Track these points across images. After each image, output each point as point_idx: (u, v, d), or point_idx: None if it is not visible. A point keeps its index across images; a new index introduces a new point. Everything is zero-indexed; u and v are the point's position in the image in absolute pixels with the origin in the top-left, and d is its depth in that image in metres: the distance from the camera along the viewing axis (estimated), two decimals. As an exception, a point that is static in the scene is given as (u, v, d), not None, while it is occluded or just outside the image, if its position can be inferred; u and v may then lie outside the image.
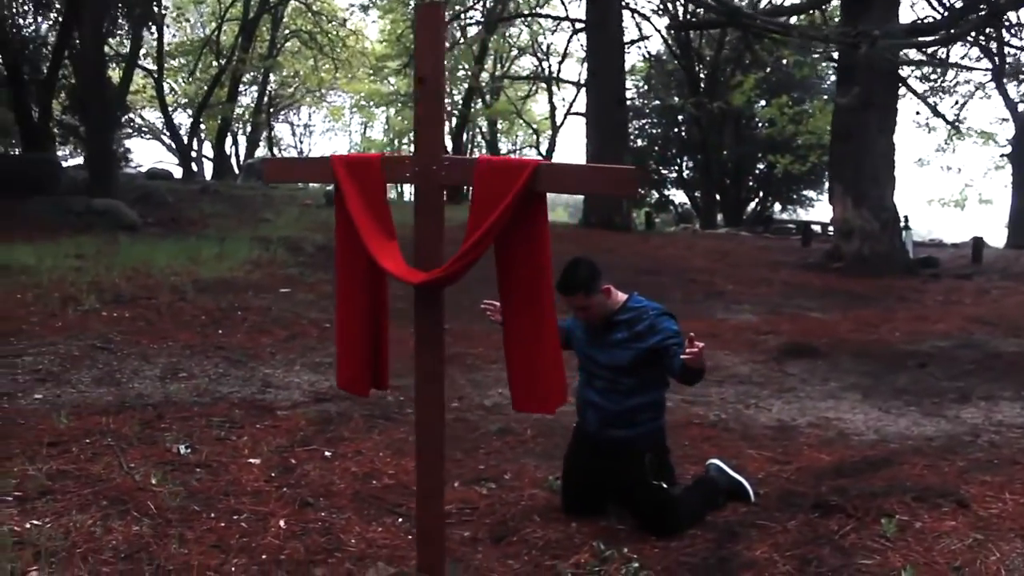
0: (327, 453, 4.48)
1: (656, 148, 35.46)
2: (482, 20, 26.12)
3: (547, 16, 27.12)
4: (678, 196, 37.48)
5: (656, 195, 36.95)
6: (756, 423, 5.06)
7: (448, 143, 32.24)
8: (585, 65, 24.01)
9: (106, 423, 4.72)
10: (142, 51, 29.44)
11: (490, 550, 3.36)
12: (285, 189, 24.69)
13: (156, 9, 23.67)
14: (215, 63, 30.25)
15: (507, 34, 33.56)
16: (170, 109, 36.00)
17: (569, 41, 28.39)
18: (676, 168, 35.70)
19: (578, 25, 24.47)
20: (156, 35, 27.52)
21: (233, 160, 37.25)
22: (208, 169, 34.14)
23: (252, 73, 34.45)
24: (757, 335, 7.39)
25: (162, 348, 6.52)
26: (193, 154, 34.39)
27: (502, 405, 5.49)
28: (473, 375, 6.28)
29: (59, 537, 3.33)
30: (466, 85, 31.04)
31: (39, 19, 21.52)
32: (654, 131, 35.45)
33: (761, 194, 34.76)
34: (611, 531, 3.49)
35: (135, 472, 4.02)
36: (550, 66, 33.43)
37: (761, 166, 32.20)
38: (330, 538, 3.45)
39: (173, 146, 33.02)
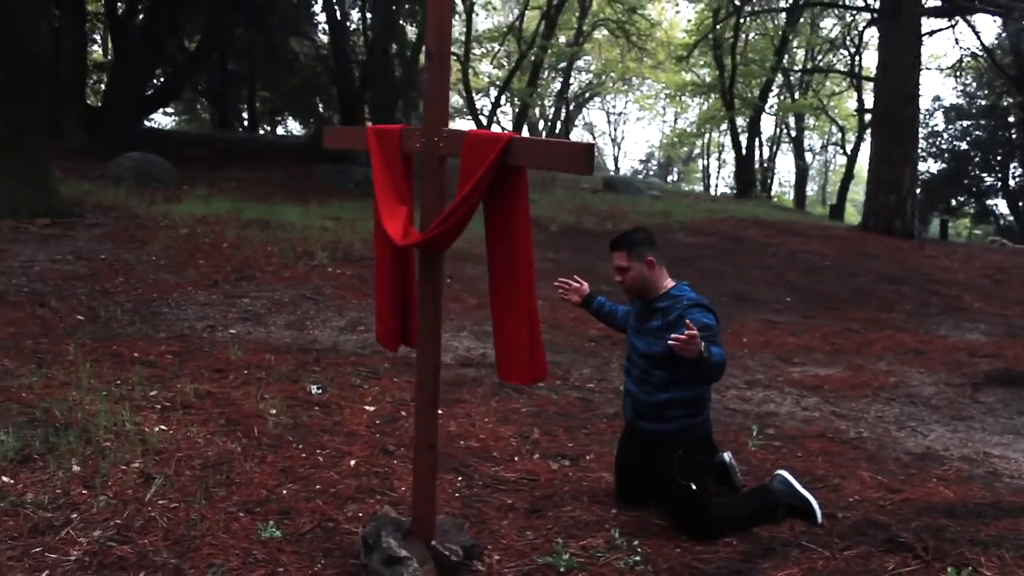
0: (438, 411, 4.73)
1: (979, 153, 31.85)
2: (783, 8, 25.05)
3: (842, 6, 25.21)
4: (1002, 206, 33.45)
5: (975, 204, 33.27)
6: (897, 447, 4.57)
7: (743, 138, 31.28)
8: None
9: (269, 360, 5.37)
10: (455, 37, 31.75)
11: (517, 520, 3.43)
12: (569, 175, 25.48)
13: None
14: (516, 50, 31.79)
15: (820, 25, 31.86)
16: (483, 93, 38.73)
17: (862, 33, 26.18)
18: (1000, 176, 31.82)
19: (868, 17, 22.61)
20: (465, 21, 29.50)
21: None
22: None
23: (555, 61, 35.87)
24: (970, 357, 6.55)
25: (360, 304, 7.18)
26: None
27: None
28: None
29: (170, 442, 3.91)
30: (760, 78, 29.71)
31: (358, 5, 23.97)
32: (978, 134, 31.86)
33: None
34: (644, 524, 3.40)
35: (262, 402, 4.56)
36: (861, 60, 31.16)
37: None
38: (384, 482, 3.72)
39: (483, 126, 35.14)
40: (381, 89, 16.49)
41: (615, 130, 52.92)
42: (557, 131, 42.10)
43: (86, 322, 5.91)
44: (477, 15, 31.82)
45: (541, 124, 43.04)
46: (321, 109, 28.04)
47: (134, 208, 10.25)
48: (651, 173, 50.81)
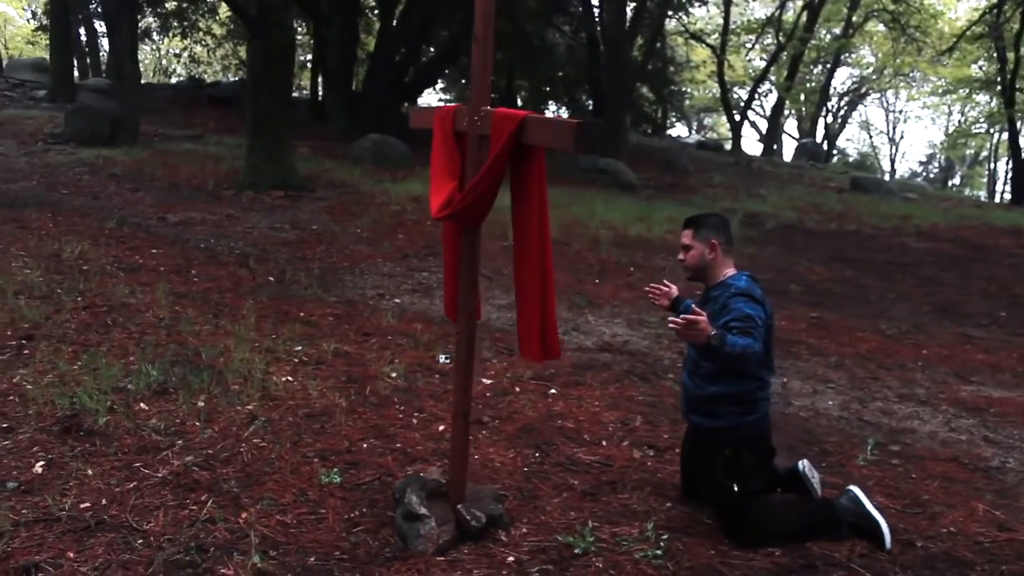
0: (552, 391, 4.84)
1: None
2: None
3: None
4: None
5: None
6: (1044, 484, 4.05)
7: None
8: None
9: (415, 328, 5.73)
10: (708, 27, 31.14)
11: (569, 500, 3.47)
12: (822, 173, 24.20)
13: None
14: (777, 42, 30.47)
15: None
16: (739, 86, 37.56)
17: None
18: None
19: None
20: (723, 12, 28.76)
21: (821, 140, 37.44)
22: (791, 147, 34.81)
23: (820, 55, 34.02)
24: None
25: (529, 285, 7.38)
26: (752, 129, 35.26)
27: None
28: (792, 361, 5.89)
29: (288, 391, 4.35)
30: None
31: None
32: None
33: None
34: (691, 522, 3.30)
35: (389, 365, 4.90)
36: None
37: None
38: (460, 449, 3.90)
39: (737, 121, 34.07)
40: (612, 78, 16.60)
41: (893, 129, 49.21)
42: (817, 128, 39.92)
43: (273, 283, 6.62)
44: (737, 6, 30.82)
45: (810, 122, 40.96)
46: (585, 99, 28.49)
47: (360, 186, 11.17)
48: (931, 176, 46.74)
